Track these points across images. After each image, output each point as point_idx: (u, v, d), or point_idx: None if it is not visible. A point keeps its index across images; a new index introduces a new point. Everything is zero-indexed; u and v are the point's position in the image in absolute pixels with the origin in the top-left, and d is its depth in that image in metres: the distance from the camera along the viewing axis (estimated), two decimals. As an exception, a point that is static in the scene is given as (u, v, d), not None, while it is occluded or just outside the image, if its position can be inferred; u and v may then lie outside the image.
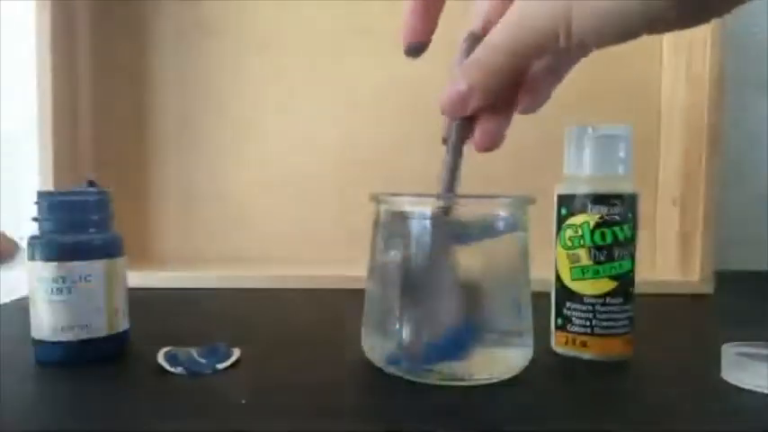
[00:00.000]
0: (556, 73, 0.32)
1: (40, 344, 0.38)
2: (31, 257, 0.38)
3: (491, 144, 0.32)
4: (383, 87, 0.72)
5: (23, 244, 0.29)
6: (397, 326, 0.35)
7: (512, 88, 0.31)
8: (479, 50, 0.29)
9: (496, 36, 0.28)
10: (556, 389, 0.36)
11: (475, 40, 0.31)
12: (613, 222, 0.38)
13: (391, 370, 0.36)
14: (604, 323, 0.39)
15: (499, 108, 0.31)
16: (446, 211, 0.35)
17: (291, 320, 0.53)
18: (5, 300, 0.59)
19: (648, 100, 0.72)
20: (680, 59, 0.68)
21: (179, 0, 0.72)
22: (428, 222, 0.35)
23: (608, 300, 0.38)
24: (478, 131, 0.32)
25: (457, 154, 0.33)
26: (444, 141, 0.34)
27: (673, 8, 0.24)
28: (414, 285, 0.35)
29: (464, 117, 0.32)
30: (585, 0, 0.25)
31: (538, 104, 0.32)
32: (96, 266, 0.38)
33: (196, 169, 0.73)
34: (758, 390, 0.34)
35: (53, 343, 0.38)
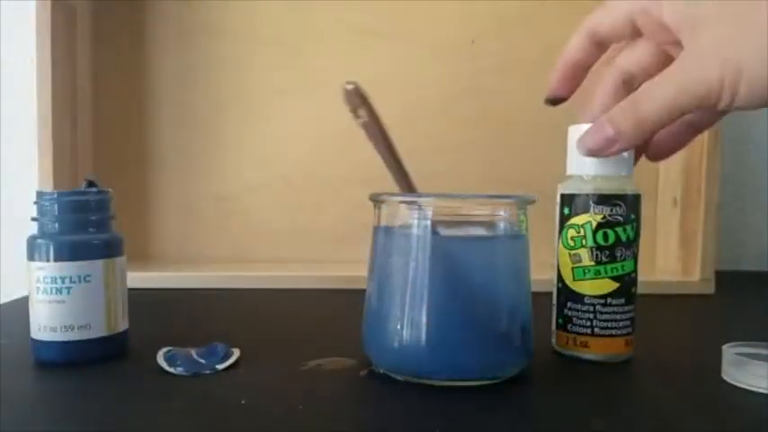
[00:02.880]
0: (698, 127, 0.34)
1: (39, 344, 0.38)
2: (31, 257, 0.38)
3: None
4: (384, 87, 0.72)
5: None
6: (398, 326, 0.35)
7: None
8: (635, 101, 0.30)
9: (657, 92, 0.29)
10: (556, 389, 0.36)
11: (630, 78, 0.33)
12: (616, 223, 0.38)
13: (391, 371, 0.36)
14: (605, 324, 0.39)
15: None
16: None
17: (291, 320, 0.53)
18: (5, 300, 0.59)
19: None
20: (680, 59, 0.68)
21: (179, 0, 0.72)
22: (428, 222, 0.35)
23: (609, 300, 0.38)
24: None
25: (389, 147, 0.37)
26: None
27: None
28: (414, 286, 0.35)
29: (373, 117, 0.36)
30: (757, 69, 0.25)
31: (670, 154, 0.36)
32: (96, 266, 0.38)
33: (196, 169, 0.73)
34: (758, 390, 0.34)
35: (52, 343, 0.38)
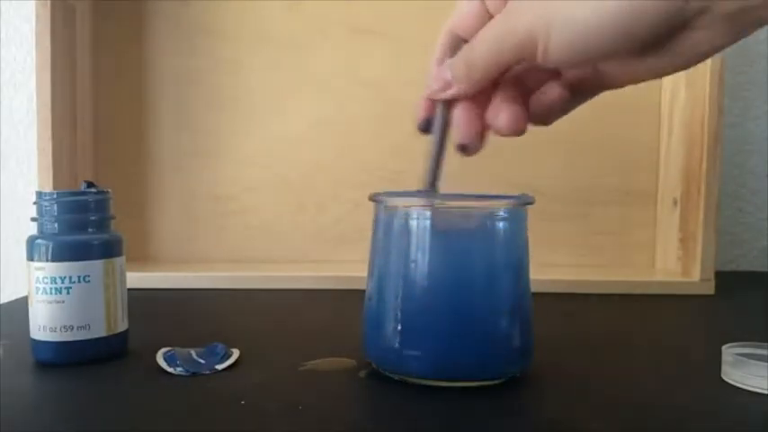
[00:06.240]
0: (571, 100, 0.33)
1: (39, 344, 0.38)
2: (30, 257, 0.38)
3: (468, 132, 0.33)
4: (384, 87, 0.72)
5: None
6: (398, 327, 0.35)
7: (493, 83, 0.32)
8: (468, 47, 0.32)
9: (482, 41, 0.31)
10: (556, 389, 0.36)
11: (457, 40, 0.33)
12: None
13: (391, 371, 0.36)
14: None
15: (478, 99, 0.33)
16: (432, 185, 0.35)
17: (291, 320, 0.53)
18: (5, 300, 0.59)
19: (649, 100, 0.72)
20: (680, 59, 0.68)
21: (179, 0, 0.72)
22: (428, 222, 0.35)
23: None
24: (459, 119, 0.33)
25: (441, 139, 0.34)
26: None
27: (641, 35, 0.26)
28: (414, 287, 0.35)
29: (446, 103, 0.34)
30: (563, 16, 0.27)
31: (545, 120, 0.34)
32: (95, 266, 0.38)
33: (196, 169, 0.73)
34: (758, 390, 0.34)
35: (52, 343, 0.38)
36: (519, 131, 0.32)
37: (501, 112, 0.32)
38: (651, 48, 0.27)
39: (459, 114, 0.33)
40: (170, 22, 0.72)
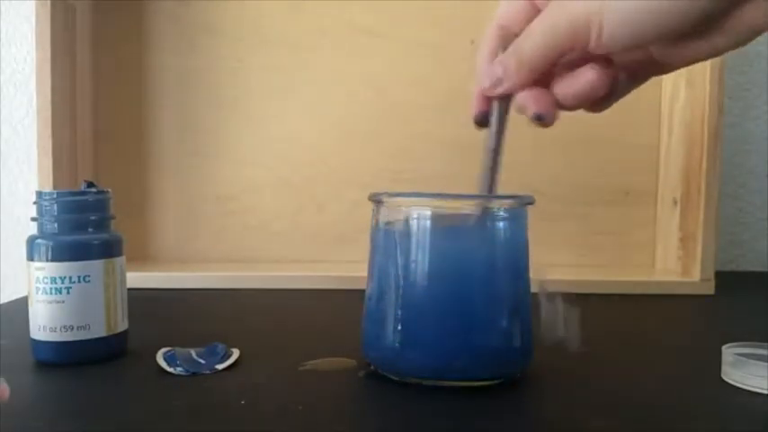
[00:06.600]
0: (626, 84, 0.35)
1: (39, 344, 0.38)
2: (31, 257, 0.38)
3: (540, 102, 0.32)
4: (384, 87, 0.72)
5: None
6: (397, 327, 0.35)
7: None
8: (518, 42, 0.32)
9: (533, 33, 0.31)
10: (556, 389, 0.36)
11: (507, 34, 0.33)
12: None
13: (390, 371, 0.36)
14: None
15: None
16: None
17: (291, 320, 0.53)
18: (5, 300, 0.59)
19: (649, 100, 0.72)
20: (680, 59, 0.68)
21: (179, 0, 0.72)
22: (428, 222, 0.35)
23: None
24: (528, 97, 0.33)
25: (499, 135, 0.35)
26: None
27: (695, 15, 0.26)
28: (413, 287, 0.35)
29: (502, 99, 0.34)
30: (615, 11, 0.27)
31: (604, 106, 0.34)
32: (95, 266, 0.38)
33: (196, 169, 0.73)
34: (758, 390, 0.34)
35: (52, 343, 0.38)
36: (601, 92, 0.32)
37: (579, 76, 0.31)
38: (704, 28, 0.27)
39: (527, 93, 0.32)
40: (170, 22, 0.72)
